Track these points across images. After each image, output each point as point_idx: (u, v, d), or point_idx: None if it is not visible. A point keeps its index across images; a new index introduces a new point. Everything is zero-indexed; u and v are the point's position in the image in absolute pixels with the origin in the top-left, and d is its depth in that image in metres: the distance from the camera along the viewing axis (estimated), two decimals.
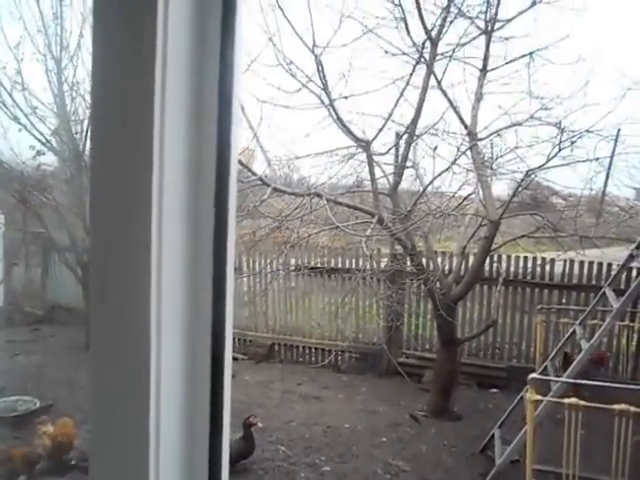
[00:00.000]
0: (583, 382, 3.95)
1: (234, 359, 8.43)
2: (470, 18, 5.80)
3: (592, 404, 3.57)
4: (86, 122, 7.51)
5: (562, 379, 4.04)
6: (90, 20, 6.85)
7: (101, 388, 0.68)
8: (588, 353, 4.42)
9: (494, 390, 7.04)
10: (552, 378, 4.26)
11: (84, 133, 7.59)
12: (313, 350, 8.29)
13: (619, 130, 6.02)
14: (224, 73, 0.64)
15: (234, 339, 8.77)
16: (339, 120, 5.23)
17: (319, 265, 7.96)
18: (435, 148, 5.79)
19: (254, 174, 5.13)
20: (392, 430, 5.88)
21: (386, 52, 5.71)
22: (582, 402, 3.58)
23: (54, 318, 9.24)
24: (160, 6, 0.58)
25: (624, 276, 6.26)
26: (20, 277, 9.40)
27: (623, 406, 3.46)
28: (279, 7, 4.72)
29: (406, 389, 7.04)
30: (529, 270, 7.23)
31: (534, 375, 3.83)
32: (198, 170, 0.66)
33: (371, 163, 5.49)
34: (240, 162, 5.54)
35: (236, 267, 8.67)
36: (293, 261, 8.13)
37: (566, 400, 3.64)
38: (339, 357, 8.07)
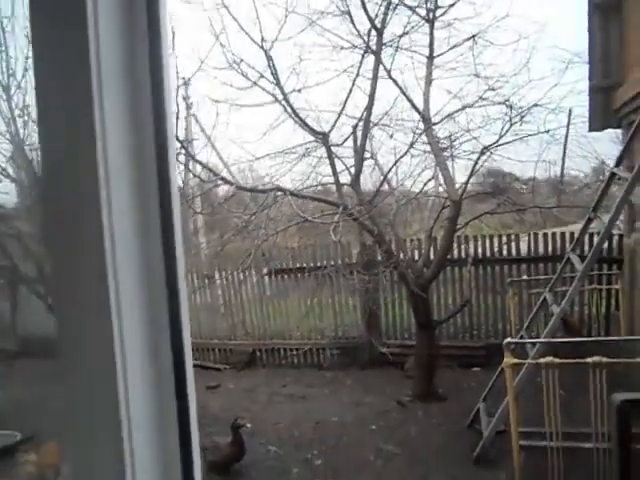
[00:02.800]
0: (556, 340, 4.06)
1: (217, 370, 8.36)
2: (411, 8, 5.93)
3: (567, 360, 3.66)
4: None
5: (536, 340, 4.14)
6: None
7: (71, 411, 0.68)
8: (559, 317, 4.55)
9: (475, 369, 7.14)
10: (526, 340, 4.37)
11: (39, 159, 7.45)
12: (294, 351, 8.27)
13: (570, 109, 6.22)
14: (154, 64, 0.66)
15: (214, 350, 8.70)
16: (295, 114, 5.28)
17: (289, 266, 7.97)
18: (392, 135, 5.90)
19: (215, 174, 5.12)
20: (380, 418, 5.91)
21: (334, 47, 5.80)
22: (557, 360, 3.67)
23: (27, 351, 8.99)
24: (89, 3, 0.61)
25: (587, 242, 6.44)
26: None
27: (596, 358, 3.56)
28: (224, 5, 4.75)
29: (390, 378, 7.08)
30: (496, 248, 7.37)
31: (509, 339, 3.92)
32: (140, 165, 0.67)
33: (330, 155, 5.54)
34: (200, 162, 5.55)
35: (209, 277, 8.62)
36: (263, 265, 8.13)
37: (542, 360, 3.74)
38: (321, 355, 8.08)
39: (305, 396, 6.87)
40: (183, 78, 8.16)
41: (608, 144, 8.54)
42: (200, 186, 6.11)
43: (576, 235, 6.66)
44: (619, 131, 6.98)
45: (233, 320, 8.65)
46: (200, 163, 5.39)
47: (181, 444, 0.70)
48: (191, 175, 7.11)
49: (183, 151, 5.70)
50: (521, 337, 5.24)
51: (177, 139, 5.22)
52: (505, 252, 7.35)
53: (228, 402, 6.79)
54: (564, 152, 6.71)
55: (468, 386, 6.49)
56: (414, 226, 8.56)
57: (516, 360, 3.87)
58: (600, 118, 6.45)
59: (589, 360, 3.57)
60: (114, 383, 0.65)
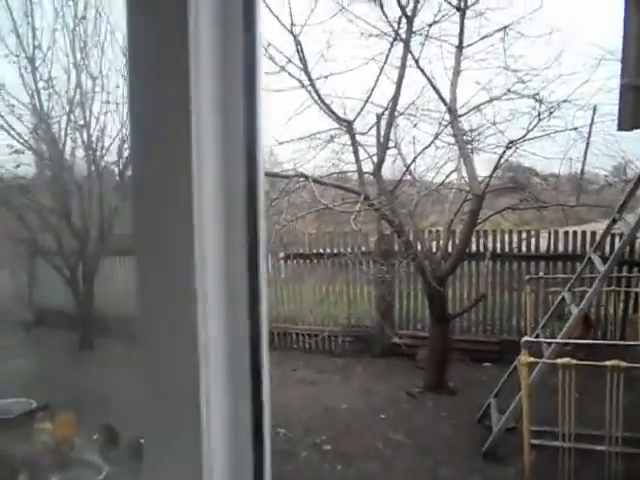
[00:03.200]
0: (574, 341, 4.03)
1: None
2: None
3: (584, 362, 3.64)
4: (64, 120, 7.44)
5: (554, 340, 4.12)
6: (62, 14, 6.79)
7: (153, 405, 0.69)
8: (578, 318, 4.51)
9: (487, 364, 7.13)
10: (544, 340, 4.34)
11: (63, 132, 7.51)
12: (307, 336, 8.32)
13: (595, 106, 6.11)
14: (248, 68, 0.66)
15: None
16: (321, 101, 5.25)
17: (307, 251, 7.99)
18: (415, 125, 5.85)
19: None
20: (390, 407, 5.94)
21: (362, 34, 5.73)
22: (574, 361, 3.65)
23: (44, 321, 9.16)
24: (192, 5, 0.61)
25: (608, 242, 6.36)
26: (6, 282, 9.31)
27: (614, 362, 3.54)
28: None
29: (401, 368, 7.10)
30: (515, 244, 7.31)
31: (527, 338, 3.90)
32: (228, 167, 0.67)
33: (354, 143, 5.51)
34: None
35: None
36: (282, 249, 8.15)
37: (559, 360, 3.72)
38: (333, 342, 8.12)
39: (315, 381, 6.92)
40: None
41: (636, 144, 8.39)
42: None
43: (598, 235, 6.61)
44: None
45: None
46: None
47: (254, 443, 0.70)
48: None
49: None
50: (537, 336, 5.21)
51: None
52: (524, 248, 7.29)
53: None
54: (586, 149, 6.59)
55: (479, 381, 6.49)
56: (433, 217, 8.51)
57: (532, 359, 3.85)
58: (630, 118, 6.29)
59: (607, 363, 3.55)
60: (196, 378, 0.65)
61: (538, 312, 6.74)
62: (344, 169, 6.43)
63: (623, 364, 3.55)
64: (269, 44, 4.98)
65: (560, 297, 5.38)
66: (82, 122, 7.84)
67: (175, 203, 0.64)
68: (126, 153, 8.93)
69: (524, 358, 3.82)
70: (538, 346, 4.59)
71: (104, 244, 7.92)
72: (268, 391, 0.72)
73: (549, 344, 4.37)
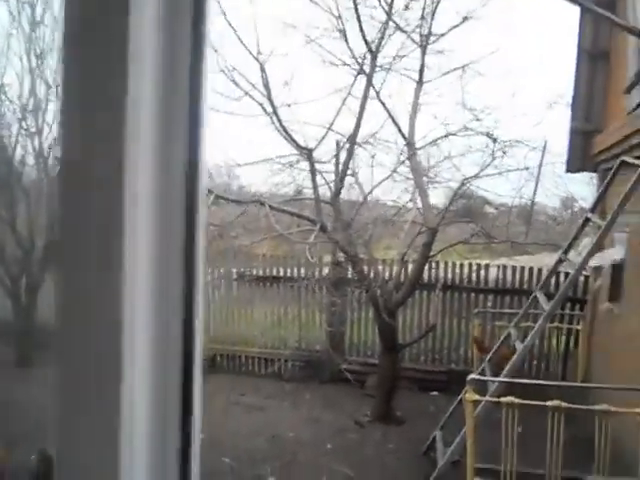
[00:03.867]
0: (517, 381, 4.12)
1: None
2: (406, 32, 5.98)
3: (527, 402, 3.72)
4: (15, 127, 7.21)
5: (498, 379, 4.20)
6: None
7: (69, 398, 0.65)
8: (523, 354, 4.62)
9: (435, 393, 7.21)
10: (490, 378, 4.43)
11: (12, 138, 7.27)
12: (256, 360, 8.22)
13: (546, 142, 6.34)
14: (194, 79, 0.63)
15: None
16: (282, 128, 5.26)
17: (261, 274, 7.93)
18: (373, 156, 5.93)
19: None
20: (337, 437, 5.91)
21: (329, 62, 5.80)
22: (517, 400, 3.73)
23: None
24: (132, 8, 0.58)
25: (554, 280, 6.58)
26: None
27: (555, 402, 3.63)
28: (222, 13, 4.70)
29: (350, 395, 7.08)
30: (465, 276, 7.47)
31: (473, 375, 3.96)
32: (168, 179, 0.65)
33: (313, 171, 5.53)
34: None
35: None
36: (235, 270, 8.06)
37: (503, 399, 3.78)
38: (282, 366, 8.04)
39: (263, 407, 6.82)
40: None
41: (582, 186, 8.77)
42: None
43: (544, 270, 6.84)
44: (594, 174, 7.18)
45: None
46: None
47: (181, 462, 0.67)
48: None
49: None
50: (483, 369, 5.30)
51: None
52: (474, 279, 7.46)
53: None
54: (536, 187, 6.84)
55: (427, 411, 6.54)
56: (389, 246, 8.62)
57: (477, 397, 3.91)
58: (577, 160, 6.62)
59: (549, 404, 3.64)
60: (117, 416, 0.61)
61: (485, 345, 6.87)
62: (304, 194, 6.44)
63: (564, 405, 3.64)
64: (234, 69, 4.98)
65: (506, 332, 5.50)
66: (34, 129, 7.61)
67: (106, 216, 0.61)
68: None
69: (469, 395, 3.87)
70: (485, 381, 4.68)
71: (50, 255, 7.64)
72: (199, 422, 0.69)
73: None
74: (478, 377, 4.18)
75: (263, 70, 4.91)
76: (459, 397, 5.14)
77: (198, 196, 0.66)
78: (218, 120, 5.27)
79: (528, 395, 4.00)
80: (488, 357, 5.58)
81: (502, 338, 5.61)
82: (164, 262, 0.65)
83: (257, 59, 4.85)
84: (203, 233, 0.68)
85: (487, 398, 4.00)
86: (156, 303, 0.66)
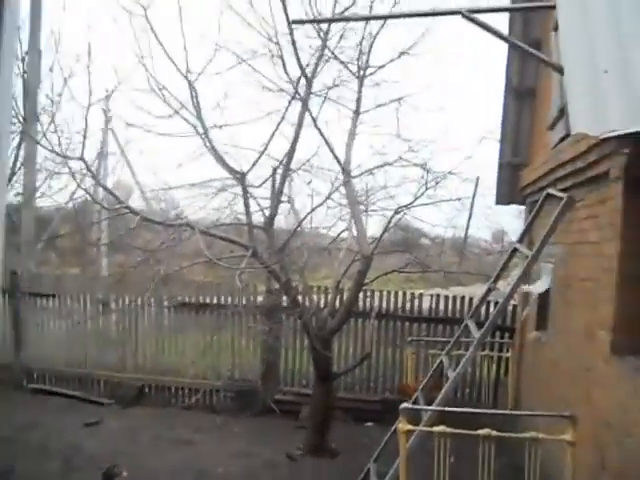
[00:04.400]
0: (448, 410, 4.09)
1: (99, 404, 7.76)
2: (343, 63, 6.05)
3: (459, 431, 3.69)
4: None
5: (431, 407, 4.16)
6: None
7: None
8: (455, 382, 4.62)
9: (369, 424, 7.12)
10: (422, 407, 4.38)
11: None
12: (187, 390, 7.89)
13: (478, 178, 6.51)
14: None
15: (99, 382, 8.10)
16: (213, 150, 5.13)
17: (192, 301, 7.66)
18: (309, 182, 5.89)
19: (120, 201, 4.80)
20: (268, 471, 5.69)
21: (263, 87, 5.75)
22: (449, 429, 3.69)
23: None
24: None
25: (484, 309, 6.70)
26: None
27: (486, 431, 3.62)
28: (151, 29, 4.57)
29: (283, 427, 6.88)
30: (400, 304, 7.51)
31: (405, 405, 3.90)
32: None
33: (246, 196, 5.42)
34: (105, 188, 5.21)
35: (104, 302, 8.10)
36: (165, 297, 7.75)
37: (435, 428, 3.74)
38: (214, 397, 7.75)
39: (192, 441, 6.50)
40: (106, 90, 7.82)
41: (511, 218, 9.09)
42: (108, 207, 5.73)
43: (475, 300, 6.96)
44: (522, 207, 7.45)
45: (125, 351, 8.13)
46: (105, 188, 5.05)
47: None
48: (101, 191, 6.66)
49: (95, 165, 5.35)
50: (416, 398, 5.26)
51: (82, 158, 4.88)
52: (408, 308, 7.50)
53: (107, 443, 6.27)
54: (469, 219, 6.99)
55: (361, 442, 6.41)
56: (324, 273, 8.56)
57: (410, 427, 3.85)
58: (506, 193, 6.85)
59: (480, 432, 3.62)
60: None
61: (419, 372, 6.89)
62: (239, 219, 6.29)
63: (494, 433, 3.64)
64: (163, 87, 4.83)
65: (439, 360, 5.51)
66: None
67: None
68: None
69: (402, 426, 3.80)
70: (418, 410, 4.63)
71: None
72: None
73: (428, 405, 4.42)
74: (411, 407, 4.13)
75: (193, 88, 4.79)
76: (393, 427, 5.08)
77: None
78: (149, 140, 5.10)
79: (461, 423, 3.98)
80: (421, 386, 5.56)
81: (435, 366, 5.61)
82: None
83: (186, 78, 4.73)
84: None
85: (420, 428, 3.94)
86: None
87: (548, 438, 3.63)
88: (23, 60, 8.42)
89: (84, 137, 4.79)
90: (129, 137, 4.83)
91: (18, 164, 8.25)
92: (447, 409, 4.09)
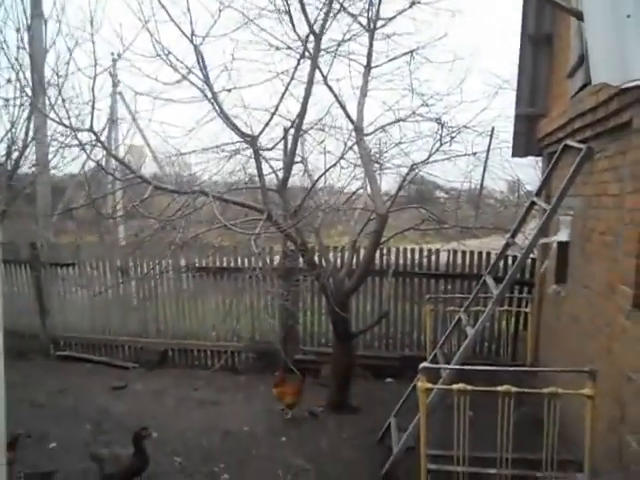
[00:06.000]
0: (467, 368, 4.11)
1: (125, 368, 7.97)
2: (353, 15, 5.85)
3: (478, 388, 3.71)
4: None
5: (449, 366, 4.19)
6: None
7: None
8: (473, 340, 4.64)
9: (389, 380, 7.23)
10: (441, 365, 4.41)
11: None
12: (209, 353, 8.05)
13: (493, 128, 6.35)
14: None
15: (124, 347, 8.30)
16: (223, 114, 5.05)
17: (210, 265, 7.72)
18: (322, 142, 5.80)
19: (132, 171, 4.77)
20: (292, 428, 5.83)
21: (270, 45, 5.60)
22: (469, 387, 3.71)
23: None
24: None
25: (502, 264, 6.66)
26: None
27: (505, 387, 3.63)
28: None
29: (305, 385, 7.01)
30: (416, 261, 7.49)
31: (425, 364, 3.92)
32: None
33: (258, 159, 5.36)
34: (116, 158, 5.19)
35: (123, 270, 8.20)
36: (183, 262, 7.82)
37: (455, 386, 3.76)
38: (236, 358, 7.90)
39: (217, 402, 6.68)
40: (112, 55, 7.70)
41: (527, 169, 8.91)
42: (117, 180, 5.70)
43: (492, 255, 6.91)
44: (539, 158, 7.28)
45: (146, 317, 8.28)
46: (117, 159, 5.01)
47: None
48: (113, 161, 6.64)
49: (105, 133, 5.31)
50: (435, 356, 5.31)
51: (91, 130, 4.84)
52: (425, 265, 7.48)
53: (134, 406, 6.46)
54: (484, 173, 6.88)
55: (381, 397, 6.53)
56: (339, 229, 8.55)
57: (430, 385, 3.88)
58: (523, 145, 6.68)
59: (499, 389, 3.64)
60: None
61: (438, 330, 6.93)
62: (255, 182, 6.24)
63: (514, 389, 3.65)
64: (169, 52, 4.73)
65: (457, 317, 5.53)
66: None
67: None
68: (15, 154, 8.24)
69: (421, 384, 3.83)
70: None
71: None
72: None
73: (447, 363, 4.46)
74: (430, 365, 4.15)
75: (199, 52, 4.67)
76: (412, 384, 5.15)
77: None
78: (158, 107, 5.04)
79: (479, 378, 4.01)
80: (440, 343, 5.60)
81: (453, 324, 5.63)
82: None
83: (192, 41, 4.61)
84: None
85: (439, 386, 3.99)
86: None
87: (567, 392, 3.64)
88: (29, 29, 8.30)
89: (92, 108, 4.74)
90: (137, 105, 4.76)
91: (29, 137, 8.23)
92: (466, 367, 4.11)
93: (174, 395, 6.91)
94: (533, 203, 5.13)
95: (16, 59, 7.15)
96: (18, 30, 7.78)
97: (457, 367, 4.14)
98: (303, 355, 7.63)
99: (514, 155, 6.83)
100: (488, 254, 7.22)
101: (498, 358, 7.18)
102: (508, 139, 6.73)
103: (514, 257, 6.74)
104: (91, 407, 6.36)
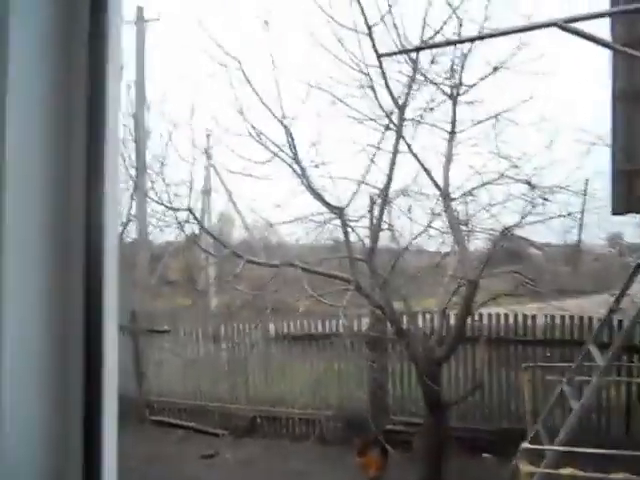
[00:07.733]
0: (577, 450, 3.78)
1: (215, 435, 8.05)
2: (436, 84, 5.93)
3: (590, 474, 3.40)
4: None
5: (554, 447, 3.88)
6: None
7: None
8: (579, 414, 4.29)
9: (486, 455, 6.78)
10: (545, 447, 4.10)
11: None
12: (297, 420, 7.97)
13: (587, 182, 6.11)
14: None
15: (214, 413, 8.41)
16: (311, 189, 5.21)
17: (299, 331, 7.78)
18: (409, 209, 5.80)
19: (225, 247, 5.00)
20: None
21: (354, 119, 5.78)
22: (580, 473, 3.41)
23: None
24: None
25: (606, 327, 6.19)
26: None
27: (621, 476, 3.30)
28: (247, 81, 4.76)
29: (395, 459, 6.72)
30: (511, 327, 7.13)
31: (526, 445, 3.67)
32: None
33: (346, 230, 5.44)
34: (211, 235, 5.46)
35: (215, 337, 8.45)
36: (272, 327, 7.94)
37: (563, 471, 3.47)
38: (324, 427, 7.76)
39: (308, 472, 6.54)
40: (207, 129, 8.23)
41: (629, 227, 8.39)
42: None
43: (595, 319, 6.45)
44: None
45: (235, 381, 8.40)
46: (212, 236, 5.28)
47: None
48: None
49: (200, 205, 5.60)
50: (536, 432, 4.94)
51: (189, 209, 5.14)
52: (521, 331, 7.10)
53: (224, 475, 6.47)
54: (580, 229, 6.56)
55: (478, 475, 6.12)
56: (430, 294, 8.37)
57: (532, 468, 3.60)
58: (623, 202, 6.31)
59: (616, 477, 3.31)
60: None
61: (537, 400, 6.47)
62: (341, 250, 6.32)
63: (632, 478, 3.31)
64: (261, 133, 5.00)
65: (559, 389, 5.16)
66: None
67: None
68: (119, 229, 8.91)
69: (524, 467, 3.57)
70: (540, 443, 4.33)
71: None
72: None
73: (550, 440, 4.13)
74: (532, 446, 3.87)
75: (289, 133, 4.91)
76: (513, 461, 4.79)
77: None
78: (249, 183, 5.29)
79: (589, 460, 3.68)
80: (542, 417, 5.22)
81: (555, 396, 5.25)
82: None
83: (282, 123, 4.86)
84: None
85: (543, 470, 3.69)
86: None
87: None
88: (135, 117, 9.10)
89: (190, 190, 5.07)
90: (229, 182, 5.04)
91: (131, 214, 8.86)
92: (574, 449, 3.79)
93: (264, 465, 6.86)
94: (639, 266, 4.80)
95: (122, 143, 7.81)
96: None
97: (562, 448, 3.82)
98: (393, 425, 7.36)
99: (614, 213, 6.45)
100: (590, 319, 6.75)
101: (609, 434, 6.56)
102: (602, 196, 6.42)
103: (619, 321, 6.25)
104: (181, 475, 6.45)
